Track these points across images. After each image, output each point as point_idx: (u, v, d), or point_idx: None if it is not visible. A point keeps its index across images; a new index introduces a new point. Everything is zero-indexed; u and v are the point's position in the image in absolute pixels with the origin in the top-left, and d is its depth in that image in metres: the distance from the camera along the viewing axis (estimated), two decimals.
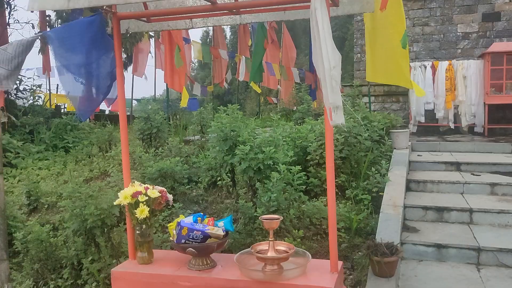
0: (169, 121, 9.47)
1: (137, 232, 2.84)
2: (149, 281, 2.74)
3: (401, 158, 6.19)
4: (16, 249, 5.00)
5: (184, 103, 7.40)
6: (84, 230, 4.32)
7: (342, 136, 5.67)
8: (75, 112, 3.30)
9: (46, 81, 13.93)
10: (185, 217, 2.87)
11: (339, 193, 5.72)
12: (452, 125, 9.10)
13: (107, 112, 17.68)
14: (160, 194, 2.81)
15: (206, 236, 2.67)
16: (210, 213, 5.78)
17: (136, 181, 2.91)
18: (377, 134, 6.02)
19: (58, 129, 10.22)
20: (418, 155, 6.92)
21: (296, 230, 4.63)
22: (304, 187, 5.05)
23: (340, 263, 2.70)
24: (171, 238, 2.78)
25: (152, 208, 2.80)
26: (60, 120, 10.47)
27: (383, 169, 5.43)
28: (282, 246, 2.73)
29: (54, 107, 12.65)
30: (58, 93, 15.32)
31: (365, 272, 4.24)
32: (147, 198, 2.76)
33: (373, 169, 5.45)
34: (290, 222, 4.78)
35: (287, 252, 2.65)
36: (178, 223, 2.68)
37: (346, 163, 5.84)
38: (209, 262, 2.78)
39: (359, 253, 4.59)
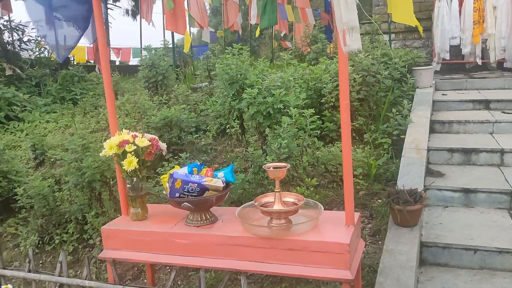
0: (177, 69, 9.05)
1: (128, 185, 2.54)
2: (142, 238, 2.46)
3: (424, 98, 5.71)
4: (20, 204, 4.83)
5: (187, 48, 6.96)
6: (84, 184, 4.07)
7: (359, 76, 5.20)
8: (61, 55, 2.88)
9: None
10: (181, 168, 2.54)
11: (357, 138, 5.33)
12: (479, 61, 8.43)
13: (117, 63, 17.26)
14: (150, 143, 2.47)
15: (204, 189, 2.35)
16: (220, 162, 5.49)
17: (124, 130, 2.58)
18: (398, 72, 5.52)
19: (65, 81, 9.92)
20: (443, 94, 6.42)
21: (309, 179, 4.30)
22: (318, 132, 4.67)
23: (357, 214, 2.37)
24: (164, 192, 2.47)
25: (142, 159, 2.47)
26: (67, 72, 10.14)
27: (405, 110, 4.98)
28: (290, 197, 2.40)
29: None
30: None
31: (385, 220, 3.93)
32: (135, 147, 2.43)
33: (394, 110, 5.01)
34: (303, 170, 4.45)
35: (296, 204, 2.32)
36: (171, 175, 2.36)
37: (364, 105, 5.41)
38: (208, 217, 2.47)
39: (379, 200, 4.27)
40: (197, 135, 5.93)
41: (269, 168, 2.29)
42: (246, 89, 4.47)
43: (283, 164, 2.33)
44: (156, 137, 2.55)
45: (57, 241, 4.45)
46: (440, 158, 4.64)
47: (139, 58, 15.43)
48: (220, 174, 2.50)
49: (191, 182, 2.32)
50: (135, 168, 2.41)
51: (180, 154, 5.11)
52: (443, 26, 8.22)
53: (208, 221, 2.45)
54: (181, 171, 2.42)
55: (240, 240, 2.27)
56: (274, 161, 4.08)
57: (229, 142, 5.91)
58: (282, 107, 4.34)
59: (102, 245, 4.22)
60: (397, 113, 4.96)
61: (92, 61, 12.23)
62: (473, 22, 8.03)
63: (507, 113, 5.55)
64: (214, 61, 7.17)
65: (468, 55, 8.59)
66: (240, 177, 4.19)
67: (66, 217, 4.50)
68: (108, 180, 4.11)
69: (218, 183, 2.38)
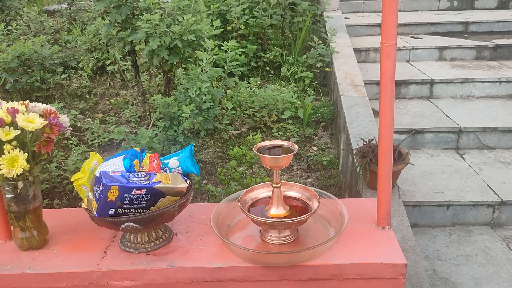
0: None
1: (8, 196, 1.42)
2: (48, 286, 1.43)
3: (337, 23, 5.10)
4: None
5: None
6: None
7: None
8: None
9: None
10: (102, 157, 1.50)
11: (272, 72, 4.56)
12: None
13: None
14: (47, 121, 1.36)
15: (157, 195, 1.38)
16: (104, 110, 4.30)
17: None
18: None
19: None
20: (346, 18, 5.90)
21: (231, 128, 3.48)
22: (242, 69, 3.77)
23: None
24: (83, 205, 1.42)
25: (33, 151, 1.37)
26: None
27: (330, 37, 4.29)
28: (291, 189, 1.56)
29: None
30: None
31: (330, 174, 3.36)
32: (17, 132, 1.31)
33: (315, 38, 4.30)
34: (226, 118, 3.59)
35: (305, 204, 1.50)
36: (98, 179, 1.32)
37: (277, 32, 4.60)
38: (161, 233, 1.53)
39: (314, 148, 3.67)
40: (66, 75, 4.57)
41: (264, 152, 1.40)
42: (142, 15, 3.31)
43: (284, 143, 1.46)
44: (52, 108, 1.44)
45: None
46: (369, 93, 4.13)
47: None
48: (173, 162, 1.53)
49: (136, 188, 1.32)
50: (23, 170, 1.31)
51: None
52: None
53: (161, 240, 1.51)
54: (112, 167, 1.38)
55: (229, 273, 1.40)
56: (195, 111, 3.13)
57: (112, 83, 4.68)
58: (194, 39, 3.31)
59: None
60: (320, 41, 4.27)
61: None
62: None
63: (417, 38, 5.26)
64: None
65: None
66: (144, 133, 3.17)
67: None
68: None
69: (180, 181, 1.42)
